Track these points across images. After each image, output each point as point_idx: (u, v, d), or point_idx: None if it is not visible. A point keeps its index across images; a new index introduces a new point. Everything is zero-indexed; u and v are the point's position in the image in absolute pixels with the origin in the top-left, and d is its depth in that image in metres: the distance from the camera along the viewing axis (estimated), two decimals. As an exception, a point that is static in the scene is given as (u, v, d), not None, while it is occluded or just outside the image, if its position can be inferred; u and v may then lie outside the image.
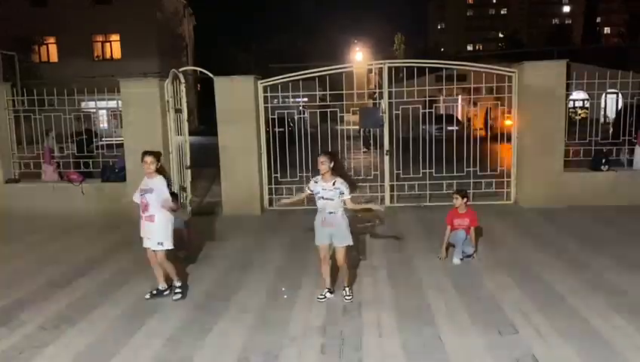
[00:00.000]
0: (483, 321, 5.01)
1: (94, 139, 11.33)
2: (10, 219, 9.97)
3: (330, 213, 5.50)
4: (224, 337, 4.91)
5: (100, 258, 7.49)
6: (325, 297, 5.65)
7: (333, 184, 5.49)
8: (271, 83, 10.32)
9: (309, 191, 5.71)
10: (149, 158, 5.68)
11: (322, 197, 5.50)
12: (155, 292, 5.82)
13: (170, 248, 5.74)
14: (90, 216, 9.95)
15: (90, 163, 10.73)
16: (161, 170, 5.78)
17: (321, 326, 5.05)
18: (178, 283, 5.86)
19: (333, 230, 5.54)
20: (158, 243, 5.67)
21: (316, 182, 5.60)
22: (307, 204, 10.04)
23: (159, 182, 5.70)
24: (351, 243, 5.65)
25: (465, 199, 6.98)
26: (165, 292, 5.86)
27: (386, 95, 10.20)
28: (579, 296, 5.52)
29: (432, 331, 4.86)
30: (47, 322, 5.32)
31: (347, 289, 5.68)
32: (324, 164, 5.46)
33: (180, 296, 5.77)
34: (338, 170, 5.63)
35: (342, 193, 5.48)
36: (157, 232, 5.66)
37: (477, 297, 5.61)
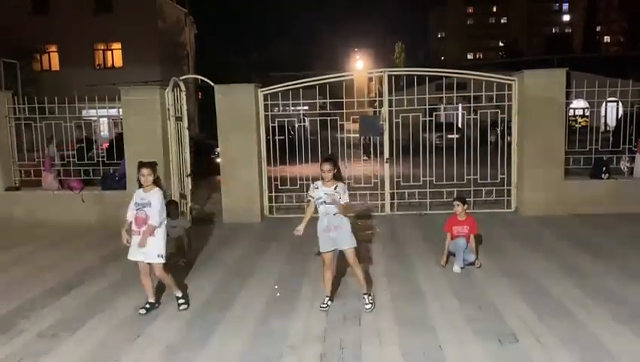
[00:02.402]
0: (483, 330, 4.99)
1: (93, 147, 11.35)
2: (10, 227, 9.97)
3: (335, 214, 5.47)
4: (223, 345, 4.89)
5: (99, 266, 7.48)
6: (328, 306, 5.62)
7: (335, 188, 5.48)
8: (271, 91, 10.34)
9: (312, 199, 5.59)
10: (146, 170, 5.52)
11: (325, 202, 5.45)
12: (148, 306, 5.68)
13: (165, 261, 5.63)
14: (90, 224, 9.94)
15: (91, 171, 10.74)
16: (157, 182, 5.65)
17: (320, 334, 5.03)
18: (179, 294, 5.79)
19: (337, 234, 5.49)
20: (158, 256, 5.55)
21: (317, 188, 5.54)
22: (307, 211, 10.12)
23: (157, 195, 5.57)
24: (356, 244, 5.60)
25: (465, 206, 6.98)
26: (156, 305, 5.76)
27: (386, 103, 10.22)
28: (579, 304, 5.50)
29: (432, 339, 4.84)
30: (45, 330, 5.30)
31: (367, 296, 5.58)
32: (330, 172, 5.45)
33: (185, 306, 5.73)
34: (340, 176, 5.61)
35: (341, 197, 5.47)
36: (156, 245, 5.54)
37: (477, 305, 5.59)
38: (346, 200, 5.52)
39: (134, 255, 5.59)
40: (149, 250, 5.52)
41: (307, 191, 5.76)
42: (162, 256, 5.58)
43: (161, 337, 5.07)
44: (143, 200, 5.53)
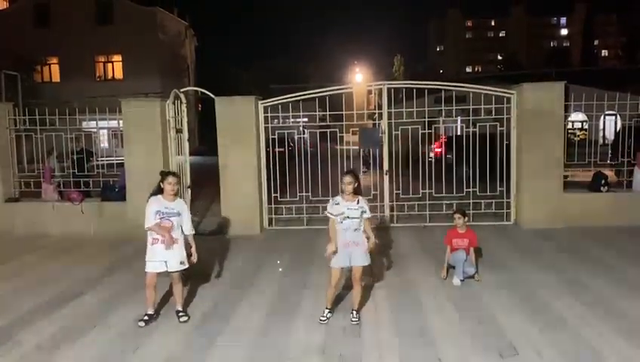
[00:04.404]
0: (483, 343, 4.98)
1: (91, 158, 11.36)
2: (9, 238, 9.95)
3: (356, 230, 5.45)
4: (223, 357, 4.88)
5: (99, 277, 7.46)
6: (327, 318, 5.60)
7: (357, 203, 5.45)
8: (271, 103, 10.39)
9: (333, 216, 5.49)
10: (173, 179, 5.60)
11: (348, 217, 5.41)
12: (147, 318, 5.67)
13: (187, 266, 5.76)
14: (89, 235, 9.93)
15: (90, 182, 10.75)
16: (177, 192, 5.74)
17: (320, 347, 5.02)
18: (180, 307, 5.81)
19: (355, 249, 5.46)
20: (181, 263, 5.66)
21: (337, 203, 5.47)
22: (307, 224, 10.13)
23: (184, 205, 5.77)
24: (369, 262, 5.60)
25: (465, 218, 6.99)
26: (155, 316, 5.76)
27: (385, 116, 10.26)
28: (579, 318, 5.50)
29: (432, 352, 4.82)
30: (44, 342, 5.28)
31: (355, 312, 5.60)
32: (350, 184, 5.41)
33: (186, 318, 5.73)
34: (360, 190, 5.57)
35: (364, 211, 5.47)
36: (179, 252, 5.65)
37: (477, 318, 5.58)
38: (369, 216, 5.52)
39: (155, 266, 5.60)
40: (172, 258, 5.60)
41: (328, 211, 5.56)
42: (184, 263, 5.69)
43: (161, 349, 5.06)
44: (169, 209, 5.59)
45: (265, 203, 10.40)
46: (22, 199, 10.82)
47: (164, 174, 5.70)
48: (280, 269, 6.74)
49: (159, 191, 5.65)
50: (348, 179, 5.41)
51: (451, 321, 5.54)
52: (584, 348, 4.83)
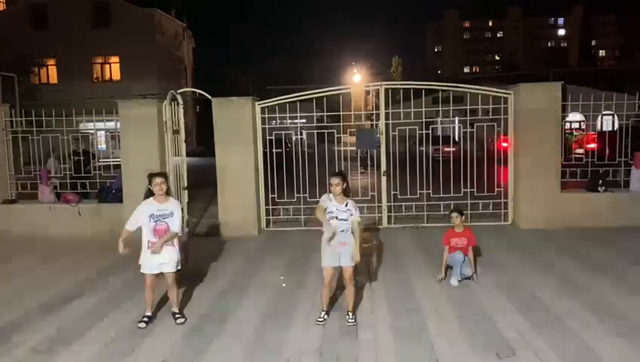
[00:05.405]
0: (481, 344, 4.96)
1: (91, 161, 11.33)
2: (6, 240, 9.91)
3: (342, 231, 5.43)
4: (220, 358, 4.86)
5: (96, 279, 7.43)
6: (324, 319, 5.59)
7: (346, 205, 5.43)
8: (269, 104, 10.37)
9: (324, 205, 5.46)
10: (159, 179, 5.55)
11: (336, 218, 5.40)
12: (146, 319, 5.65)
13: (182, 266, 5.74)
14: (87, 237, 9.89)
15: (87, 184, 10.72)
16: (168, 191, 5.70)
17: (317, 348, 5.00)
18: (176, 309, 5.79)
19: (343, 249, 5.45)
20: (177, 264, 5.64)
21: (330, 200, 5.45)
22: (304, 225, 10.11)
23: (177, 205, 5.71)
24: (358, 261, 5.58)
25: (462, 217, 6.98)
26: (153, 318, 5.74)
27: (382, 116, 10.25)
28: (578, 319, 5.48)
29: (430, 354, 4.81)
30: (39, 344, 5.25)
31: (350, 314, 5.58)
32: (339, 186, 5.37)
33: (182, 320, 5.71)
34: (348, 192, 5.52)
35: (352, 214, 5.44)
36: (174, 254, 5.63)
37: (475, 319, 5.57)
38: (357, 218, 5.49)
39: (151, 268, 5.58)
40: (167, 261, 5.58)
41: (322, 202, 5.49)
42: (179, 264, 5.67)
43: (158, 351, 5.03)
44: (162, 210, 5.55)
45: (262, 204, 10.38)
46: (18, 201, 10.78)
47: (151, 176, 5.65)
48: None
49: (150, 194, 5.61)
50: (336, 180, 5.37)
51: (449, 322, 5.52)
52: (583, 349, 4.81)
